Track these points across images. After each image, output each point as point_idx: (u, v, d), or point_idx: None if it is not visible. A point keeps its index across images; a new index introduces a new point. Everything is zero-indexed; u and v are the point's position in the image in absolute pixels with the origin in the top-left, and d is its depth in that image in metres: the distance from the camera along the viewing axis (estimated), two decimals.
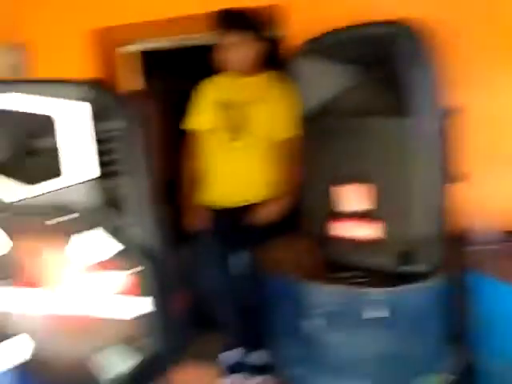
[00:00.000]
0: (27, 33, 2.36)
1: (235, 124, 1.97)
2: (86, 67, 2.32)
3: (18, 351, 1.18)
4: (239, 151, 1.97)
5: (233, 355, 2.09)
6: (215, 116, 2.00)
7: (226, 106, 1.99)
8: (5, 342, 1.19)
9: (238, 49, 1.92)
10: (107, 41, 2.37)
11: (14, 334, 1.19)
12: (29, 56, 2.39)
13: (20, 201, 1.03)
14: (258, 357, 2.06)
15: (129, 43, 2.43)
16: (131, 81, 2.51)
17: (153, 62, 2.55)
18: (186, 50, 2.42)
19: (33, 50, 2.38)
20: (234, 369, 2.07)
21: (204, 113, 2.03)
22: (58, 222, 0.99)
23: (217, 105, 2.01)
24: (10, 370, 1.23)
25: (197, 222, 1.98)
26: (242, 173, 1.98)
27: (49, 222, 0.99)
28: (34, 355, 1.19)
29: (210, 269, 2.02)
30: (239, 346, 2.09)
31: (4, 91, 0.97)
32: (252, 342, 2.07)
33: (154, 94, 2.32)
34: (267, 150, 1.97)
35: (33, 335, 1.19)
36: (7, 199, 1.04)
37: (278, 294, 1.56)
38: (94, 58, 2.35)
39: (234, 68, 1.97)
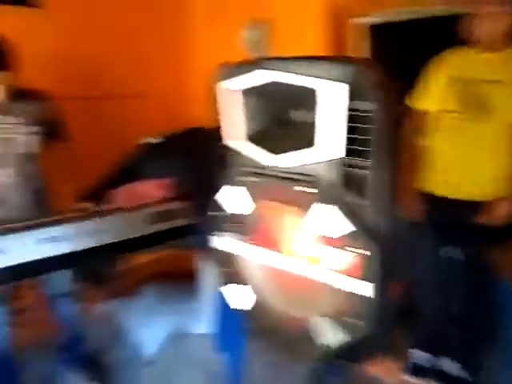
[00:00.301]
0: (268, 10, 2.54)
1: (471, 105, 1.74)
2: (320, 41, 2.38)
3: (242, 298, 1.33)
4: (473, 136, 1.75)
5: (423, 355, 1.96)
6: (448, 95, 1.80)
7: (463, 84, 1.77)
8: (232, 286, 1.34)
9: (493, 20, 1.67)
10: (340, 14, 2.37)
11: (243, 283, 1.33)
12: (269, 32, 2.58)
13: (269, 167, 1.13)
14: (451, 365, 1.89)
15: (361, 16, 2.39)
16: (360, 53, 2.47)
17: (382, 34, 2.45)
18: (419, 23, 2.23)
19: (272, 26, 2.56)
20: (421, 370, 1.95)
21: (435, 91, 1.85)
22: (301, 192, 1.05)
23: (451, 82, 1.80)
24: (232, 311, 1.39)
25: (413, 209, 1.86)
26: (473, 161, 1.76)
27: (294, 189, 1.05)
28: (255, 306, 1.32)
29: (423, 261, 1.89)
30: (434, 346, 1.95)
31: (273, 68, 1.04)
32: (451, 348, 1.90)
33: (380, 67, 2.24)
34: (507, 138, 1.70)
35: (258, 288, 1.31)
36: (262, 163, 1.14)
37: (504, 303, 1.36)
38: (327, 31, 2.39)
39: (483, 41, 1.73)
